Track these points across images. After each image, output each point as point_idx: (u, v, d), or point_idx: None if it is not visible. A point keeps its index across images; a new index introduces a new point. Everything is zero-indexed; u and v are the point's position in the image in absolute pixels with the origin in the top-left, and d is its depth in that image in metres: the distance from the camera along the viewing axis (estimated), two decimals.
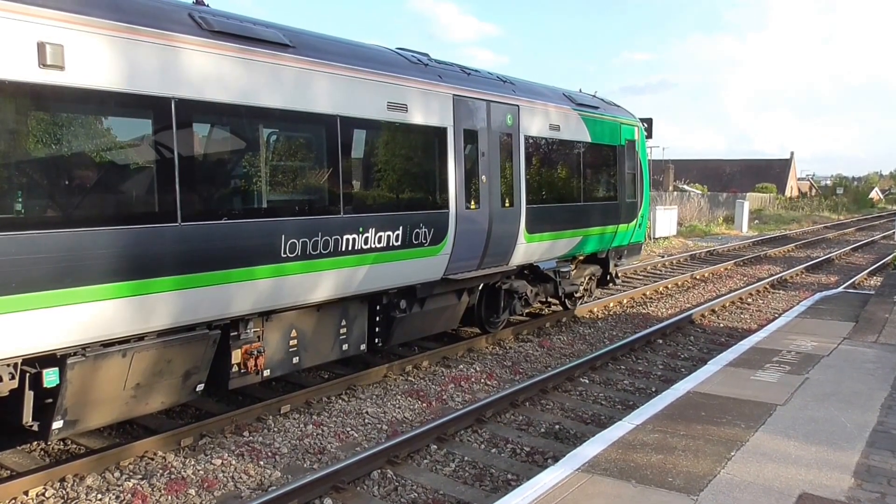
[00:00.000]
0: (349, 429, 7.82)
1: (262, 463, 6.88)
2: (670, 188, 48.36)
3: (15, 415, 5.97)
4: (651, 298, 16.27)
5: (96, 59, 5.83)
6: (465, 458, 7.11)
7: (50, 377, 5.86)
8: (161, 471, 6.62)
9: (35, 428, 6.11)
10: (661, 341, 12.13)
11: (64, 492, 6.17)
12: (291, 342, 8.04)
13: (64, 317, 5.74)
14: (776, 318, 12.93)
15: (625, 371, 10.40)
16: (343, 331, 8.67)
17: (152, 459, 6.85)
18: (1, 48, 5.25)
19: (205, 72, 6.62)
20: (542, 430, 7.98)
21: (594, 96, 14.11)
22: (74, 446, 7.12)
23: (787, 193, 74.93)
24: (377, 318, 9.20)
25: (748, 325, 13.54)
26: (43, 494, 6.11)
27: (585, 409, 8.71)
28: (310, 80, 7.61)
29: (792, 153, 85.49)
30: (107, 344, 6.20)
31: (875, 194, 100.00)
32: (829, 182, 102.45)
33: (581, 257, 13.34)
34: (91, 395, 6.23)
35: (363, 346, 9.06)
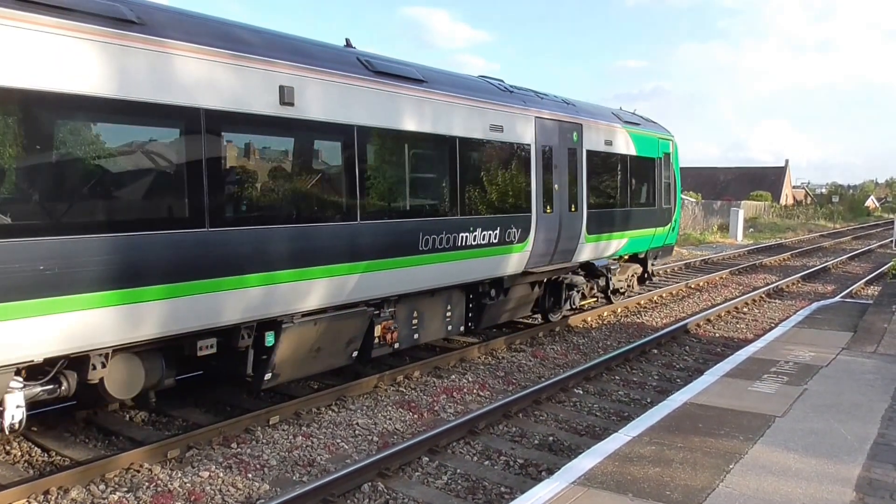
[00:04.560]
0: (339, 440, 7.68)
1: (250, 475, 6.73)
2: None
3: (240, 367, 7.66)
4: (645, 308, 16.16)
5: (311, 97, 7.69)
6: (458, 471, 6.97)
7: (269, 338, 7.62)
8: (147, 483, 6.47)
9: (250, 379, 7.82)
10: (655, 351, 12.02)
11: None
12: (413, 321, 9.72)
13: (287, 290, 7.51)
14: (773, 327, 12.87)
15: (619, 381, 10.28)
16: (448, 314, 10.39)
17: (138, 472, 6.69)
18: (258, 92, 7.15)
19: (373, 103, 8.47)
20: (536, 441, 7.85)
21: (634, 113, 15.60)
22: (59, 458, 6.97)
23: (783, 201, 74.98)
24: (471, 305, 10.87)
25: (744, 335, 13.44)
26: None
27: (580, 420, 8.58)
28: (439, 109, 9.49)
29: (787, 161, 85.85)
30: (305, 314, 7.88)
31: (871, 202, 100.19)
32: (824, 190, 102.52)
33: (626, 257, 14.97)
34: (291, 354, 7.92)
35: (462, 328, 10.80)
